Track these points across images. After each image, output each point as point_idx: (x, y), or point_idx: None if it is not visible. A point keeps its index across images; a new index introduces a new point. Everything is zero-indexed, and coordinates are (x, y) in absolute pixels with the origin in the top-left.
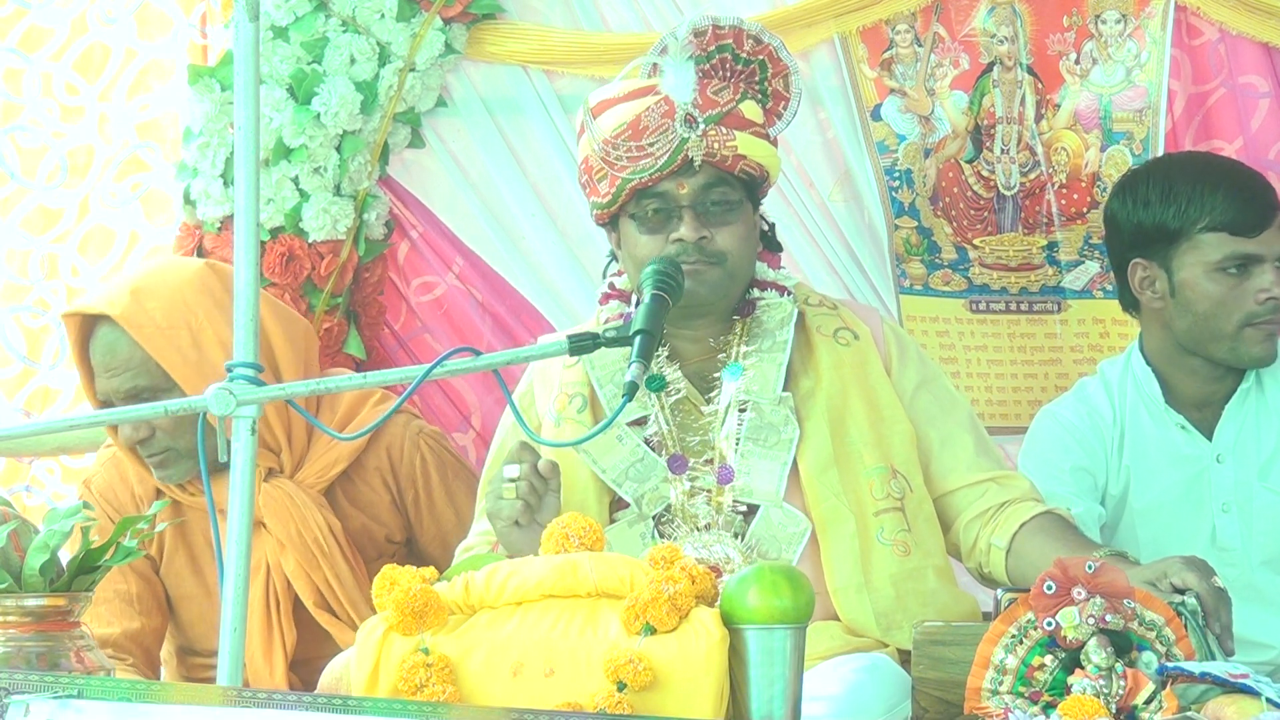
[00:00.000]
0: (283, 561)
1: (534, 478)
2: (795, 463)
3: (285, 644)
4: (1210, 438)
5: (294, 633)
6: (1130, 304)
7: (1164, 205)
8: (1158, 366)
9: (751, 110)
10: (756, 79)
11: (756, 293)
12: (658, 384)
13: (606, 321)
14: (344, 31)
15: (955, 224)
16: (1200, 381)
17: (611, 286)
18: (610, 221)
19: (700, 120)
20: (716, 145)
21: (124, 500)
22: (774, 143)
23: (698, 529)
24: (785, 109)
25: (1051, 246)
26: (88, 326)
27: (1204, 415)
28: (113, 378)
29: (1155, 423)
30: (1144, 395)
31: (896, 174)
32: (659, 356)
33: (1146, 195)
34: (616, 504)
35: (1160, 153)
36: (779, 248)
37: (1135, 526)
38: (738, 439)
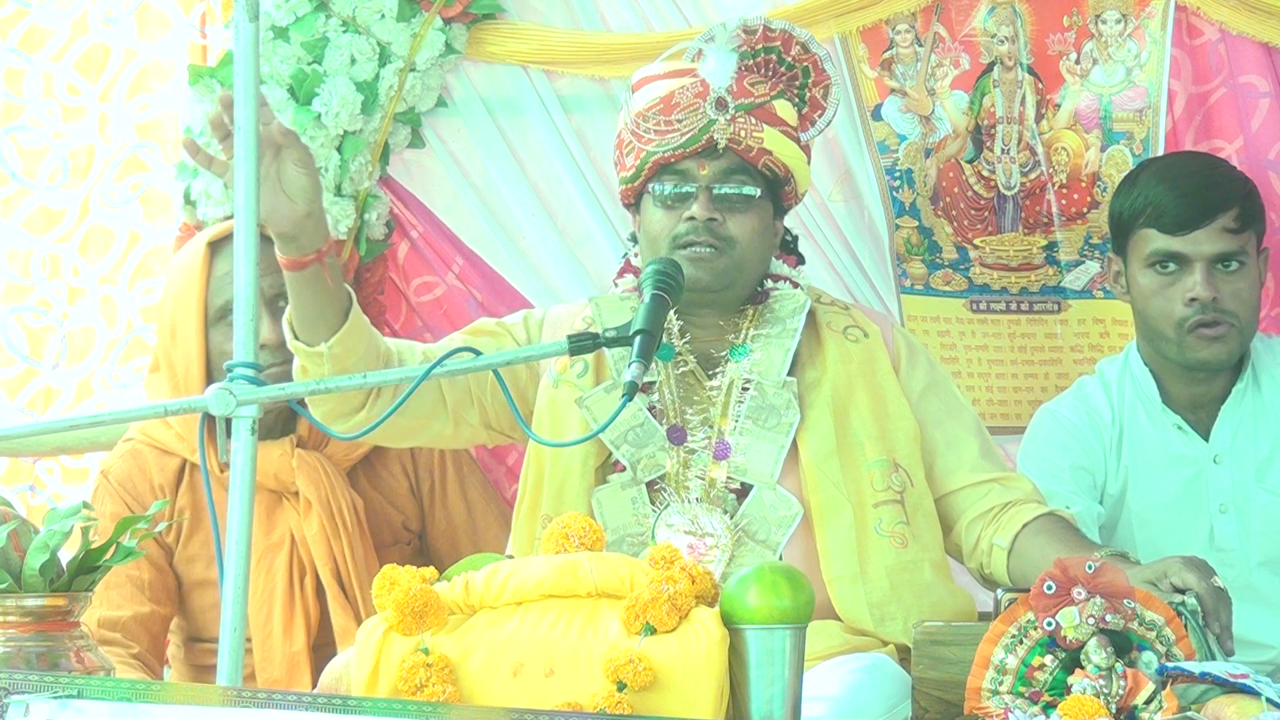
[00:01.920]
0: (305, 527)
1: (227, 112)
2: (794, 448)
3: (309, 619)
4: (1207, 438)
5: (319, 608)
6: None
7: (1124, 199)
8: (1151, 366)
9: (785, 110)
10: (798, 84)
11: (770, 284)
12: (667, 354)
13: (624, 292)
14: (344, 32)
15: (956, 224)
16: (1187, 383)
17: (628, 262)
18: (635, 201)
19: (731, 106)
20: (743, 133)
21: (143, 490)
22: (806, 150)
23: (689, 501)
24: (820, 118)
25: (1052, 246)
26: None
27: (1200, 416)
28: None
29: (1153, 423)
30: (1141, 395)
31: (897, 174)
32: (670, 329)
33: (1120, 190)
34: (604, 470)
35: (1160, 153)
36: (801, 258)
37: (1133, 527)
38: (737, 417)
